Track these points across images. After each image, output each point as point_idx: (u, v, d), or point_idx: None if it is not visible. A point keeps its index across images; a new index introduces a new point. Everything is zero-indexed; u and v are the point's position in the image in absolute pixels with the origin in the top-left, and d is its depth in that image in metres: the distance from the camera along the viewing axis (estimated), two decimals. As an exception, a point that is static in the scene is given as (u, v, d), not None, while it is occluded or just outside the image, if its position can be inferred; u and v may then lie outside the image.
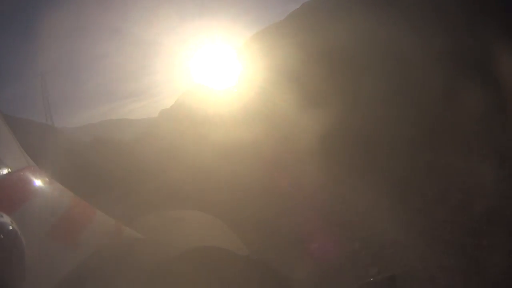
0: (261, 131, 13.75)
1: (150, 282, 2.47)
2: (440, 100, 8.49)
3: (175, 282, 2.56)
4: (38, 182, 2.42)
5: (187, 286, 2.55)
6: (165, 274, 2.57)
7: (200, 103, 17.84)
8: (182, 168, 12.69)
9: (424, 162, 7.48)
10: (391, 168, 7.61)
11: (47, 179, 2.52)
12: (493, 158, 6.32)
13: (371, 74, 10.77)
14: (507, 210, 5.24)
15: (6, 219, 1.91)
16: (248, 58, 18.24)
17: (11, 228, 1.92)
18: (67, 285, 2.07)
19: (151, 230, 3.09)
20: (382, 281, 1.97)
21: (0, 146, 2.36)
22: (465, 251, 4.84)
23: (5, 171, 2.16)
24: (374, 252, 5.16)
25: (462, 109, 7.70)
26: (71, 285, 2.09)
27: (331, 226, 6.50)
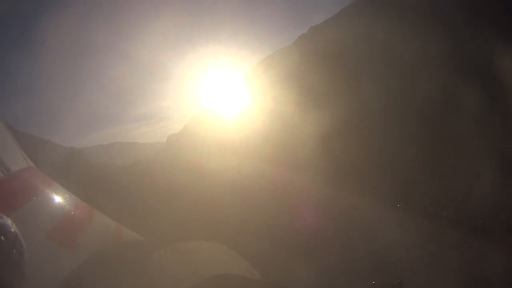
0: (269, 157, 13.73)
1: None
2: (441, 102, 8.47)
3: None
4: (38, 184, 2.45)
5: None
6: None
7: (208, 129, 17.98)
8: (189, 197, 12.69)
9: (425, 163, 7.42)
10: (395, 172, 7.55)
11: (47, 180, 2.55)
12: (494, 159, 6.26)
13: (379, 95, 10.81)
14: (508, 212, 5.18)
15: (6, 220, 1.92)
16: (256, 84, 18.45)
17: (11, 229, 1.92)
18: (67, 286, 2.06)
19: (167, 263, 3.14)
20: (390, 285, 1.90)
21: (1, 147, 2.40)
22: (468, 254, 4.76)
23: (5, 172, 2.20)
24: (380, 259, 5.06)
25: (463, 111, 7.68)
26: (70, 286, 2.08)
27: (339, 237, 6.42)
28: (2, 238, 1.88)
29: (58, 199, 2.51)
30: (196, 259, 3.35)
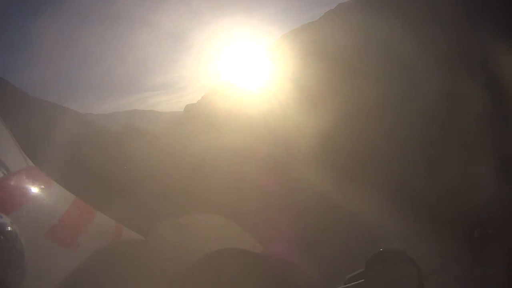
0: (284, 132, 13.62)
1: None
2: (441, 101, 8.28)
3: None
4: (38, 183, 2.43)
5: None
6: (191, 280, 2.61)
7: (225, 101, 17.86)
8: (203, 168, 12.81)
9: (424, 161, 7.30)
10: (391, 169, 7.47)
11: (47, 180, 2.54)
12: (493, 158, 6.14)
13: (402, 73, 10.49)
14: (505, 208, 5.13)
15: (6, 220, 1.91)
16: (278, 58, 18.06)
17: (11, 229, 1.91)
18: (67, 286, 2.07)
19: (166, 239, 3.15)
20: (394, 252, 1.82)
21: (0, 147, 2.38)
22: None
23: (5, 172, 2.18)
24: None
25: (463, 110, 7.48)
26: (70, 286, 2.09)
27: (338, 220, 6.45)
28: (2, 237, 1.87)
29: (57, 198, 2.50)
30: (199, 233, 3.37)
